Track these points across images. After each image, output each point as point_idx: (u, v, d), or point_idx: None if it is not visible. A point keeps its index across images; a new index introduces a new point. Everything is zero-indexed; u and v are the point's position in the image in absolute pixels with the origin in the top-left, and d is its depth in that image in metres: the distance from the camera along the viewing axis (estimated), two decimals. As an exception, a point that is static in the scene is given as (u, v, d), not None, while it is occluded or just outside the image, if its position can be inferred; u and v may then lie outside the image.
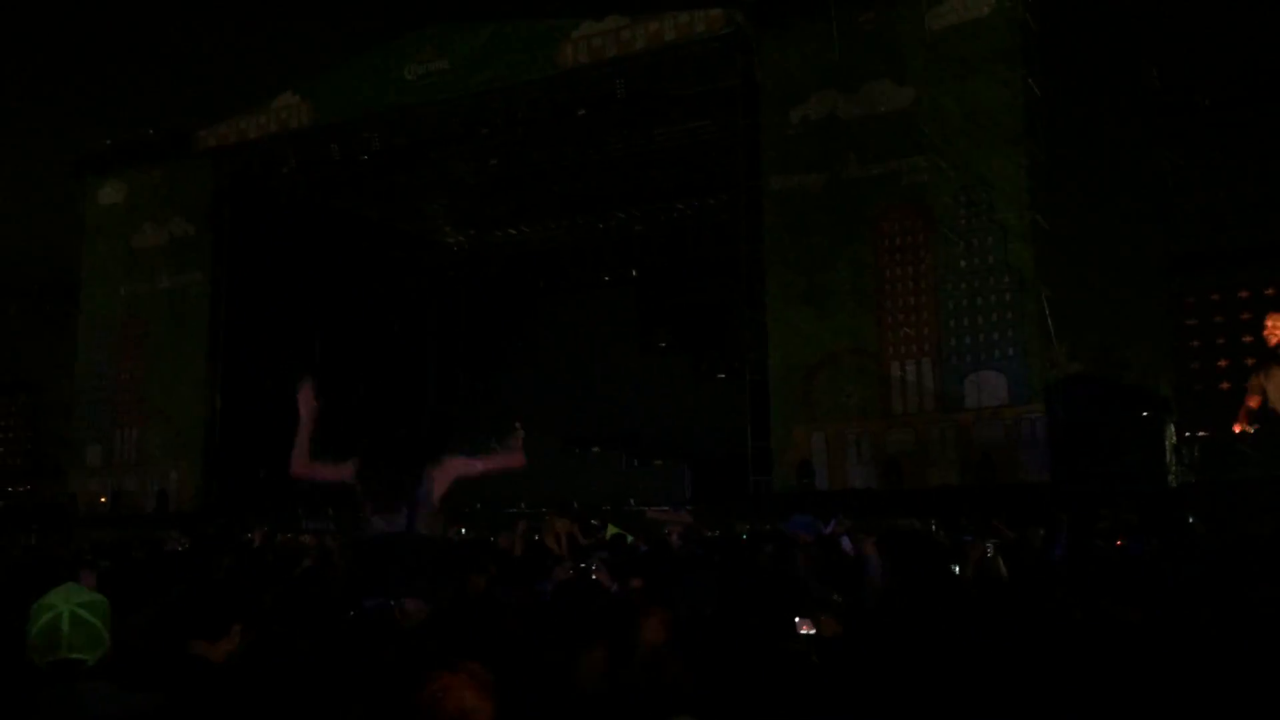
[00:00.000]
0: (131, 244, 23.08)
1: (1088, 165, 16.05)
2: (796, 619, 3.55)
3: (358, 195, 23.37)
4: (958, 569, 5.59)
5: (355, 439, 4.85)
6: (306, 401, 4.83)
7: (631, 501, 16.78)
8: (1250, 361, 15.54)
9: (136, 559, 7.44)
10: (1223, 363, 15.73)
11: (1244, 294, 16.02)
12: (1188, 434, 16.04)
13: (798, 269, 16.76)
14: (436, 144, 20.73)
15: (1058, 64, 15.77)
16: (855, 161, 16.52)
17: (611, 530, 10.67)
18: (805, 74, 16.92)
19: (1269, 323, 11.18)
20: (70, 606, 2.72)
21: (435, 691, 2.05)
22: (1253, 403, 11.37)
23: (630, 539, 8.46)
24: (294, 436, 4.82)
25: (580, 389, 22.93)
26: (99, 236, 23.69)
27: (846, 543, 5.05)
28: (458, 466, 4.70)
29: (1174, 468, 16.38)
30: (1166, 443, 16.70)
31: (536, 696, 2.72)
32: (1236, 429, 11.29)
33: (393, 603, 3.91)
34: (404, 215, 24.96)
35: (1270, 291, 15.67)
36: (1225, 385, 15.60)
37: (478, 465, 4.74)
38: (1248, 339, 15.70)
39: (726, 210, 20.28)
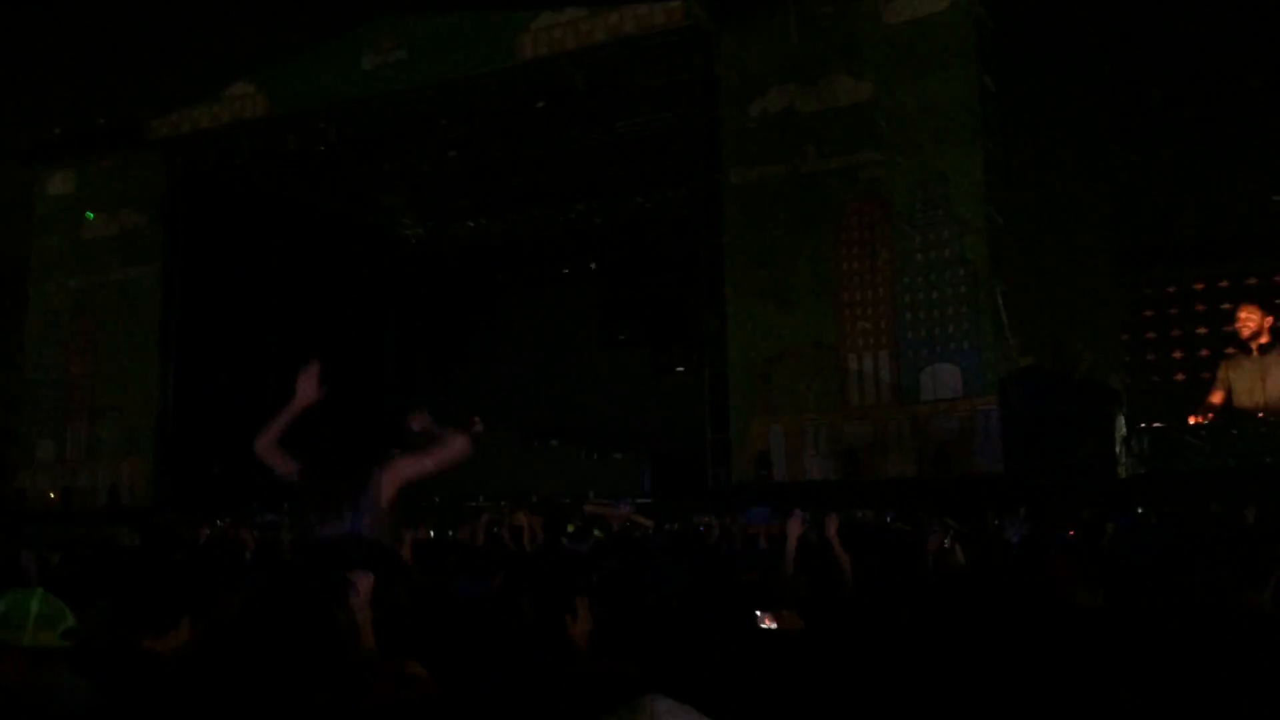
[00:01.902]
0: (82, 235, 22.67)
1: (1042, 160, 16.20)
2: (758, 613, 3.54)
3: (314, 187, 23.11)
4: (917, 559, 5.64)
5: (311, 435, 4.77)
6: (306, 385, 4.72)
7: (591, 494, 16.78)
8: (1205, 353, 15.88)
9: (85, 555, 7.31)
10: (1177, 354, 15.98)
11: (1198, 286, 16.29)
12: (1140, 425, 16.30)
13: (757, 262, 16.82)
14: (394, 135, 20.55)
15: (1013, 60, 15.91)
16: (814, 155, 16.60)
17: (571, 526, 10.66)
18: (764, 67, 16.97)
19: (1241, 314, 11.35)
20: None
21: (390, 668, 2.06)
22: (1216, 398, 11.53)
23: (597, 532, 8.46)
24: (266, 418, 4.72)
25: (540, 382, 22.90)
26: (48, 228, 23.24)
27: (798, 518, 5.05)
28: (407, 467, 4.63)
29: (1124, 459, 16.65)
30: (1117, 435, 16.96)
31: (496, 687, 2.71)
32: (1192, 420, 11.50)
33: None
34: (361, 207, 24.71)
35: (1224, 284, 15.94)
36: (1180, 377, 15.87)
37: (428, 463, 4.68)
38: (1202, 330, 16.02)
39: (686, 203, 20.30)
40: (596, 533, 8.58)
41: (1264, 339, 11.90)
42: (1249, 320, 11.04)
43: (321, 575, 3.04)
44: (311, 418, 4.78)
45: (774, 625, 3.49)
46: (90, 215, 21.98)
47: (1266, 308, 14.92)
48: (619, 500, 12.22)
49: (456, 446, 4.68)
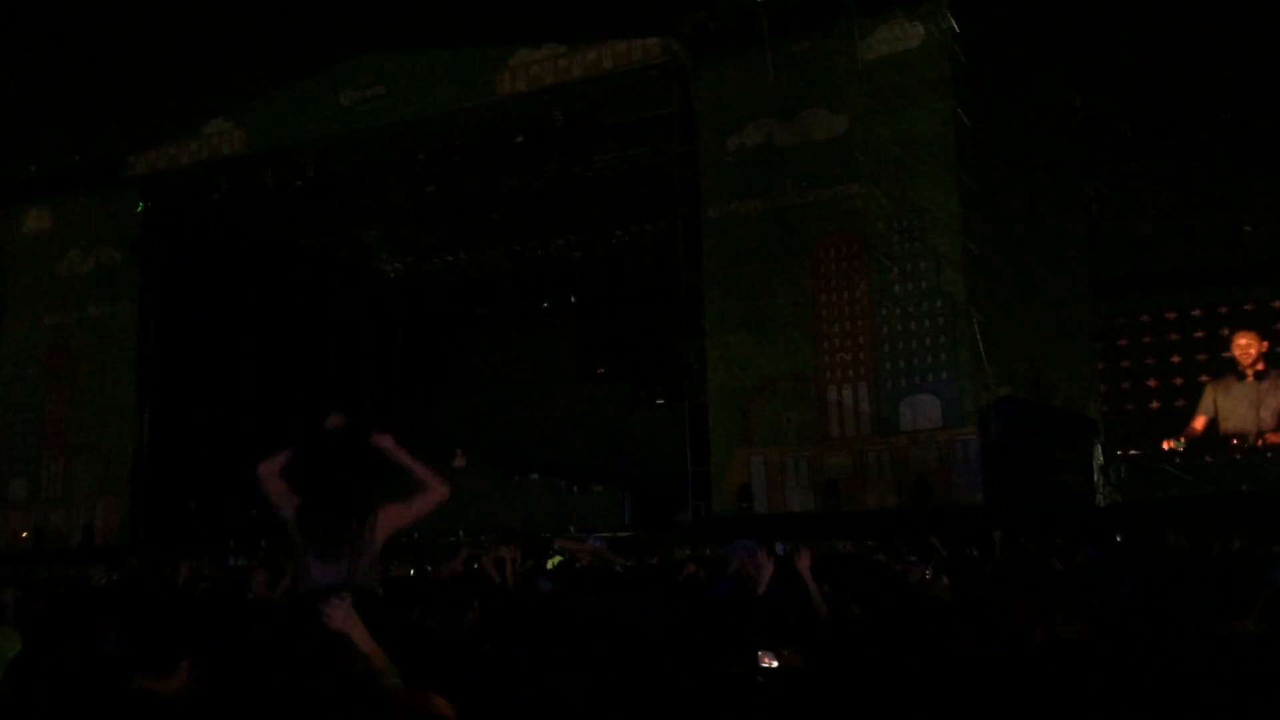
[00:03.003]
0: (57, 272, 22.53)
1: (1017, 193, 16.44)
2: (759, 652, 3.50)
3: (292, 222, 23.08)
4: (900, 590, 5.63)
5: (292, 472, 4.74)
6: (333, 428, 4.69)
7: (571, 528, 16.68)
8: (1179, 381, 16.02)
9: (58, 593, 7.20)
10: (1152, 382, 16.12)
11: (1170, 315, 16.46)
12: (1119, 453, 16.40)
13: (736, 295, 16.89)
14: (373, 171, 20.56)
15: (987, 95, 16.20)
16: (791, 189, 16.73)
17: (555, 560, 10.59)
18: (741, 102, 17.12)
19: (1241, 341, 11.36)
20: None
21: (412, 702, 2.06)
22: (1199, 423, 11.53)
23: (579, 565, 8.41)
24: (244, 455, 4.69)
25: (519, 416, 22.83)
26: (23, 264, 23.08)
27: (781, 549, 5.05)
28: (398, 514, 4.61)
29: (1101, 488, 16.73)
30: (1094, 463, 17.05)
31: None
32: (1166, 445, 11.50)
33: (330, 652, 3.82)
34: (340, 243, 24.69)
35: (1198, 313, 16.12)
36: (1155, 405, 16.00)
37: (416, 508, 4.66)
38: (1175, 359, 16.17)
39: (665, 237, 20.38)
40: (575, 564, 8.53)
41: (1260, 366, 11.99)
42: (1249, 346, 11.09)
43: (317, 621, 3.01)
44: (297, 458, 4.74)
45: (775, 664, 3.47)
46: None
47: (1262, 334, 15.07)
48: (589, 535, 12.17)
49: (439, 491, 4.67)
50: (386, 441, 4.69)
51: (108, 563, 14.14)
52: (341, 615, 2.95)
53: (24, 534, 21.67)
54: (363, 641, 2.91)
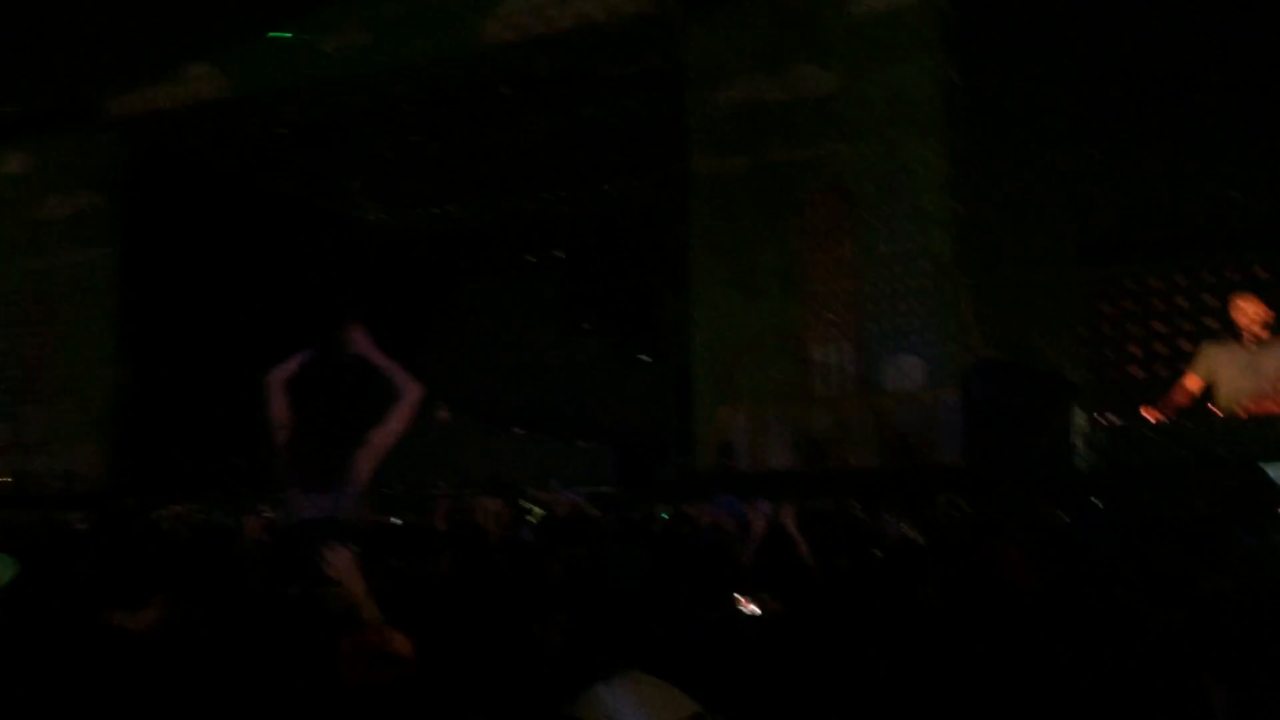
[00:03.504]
0: (35, 216, 22.24)
1: (1006, 154, 16.32)
2: (739, 597, 3.52)
3: (274, 169, 22.84)
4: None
5: (296, 387, 4.70)
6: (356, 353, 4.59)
7: (553, 483, 16.71)
8: (1162, 349, 16.10)
9: (38, 537, 7.17)
10: (1134, 349, 16.20)
11: (1155, 283, 16.52)
12: (1099, 418, 16.48)
13: (723, 252, 16.82)
14: (356, 119, 20.34)
15: (978, 53, 16.00)
16: (780, 145, 16.61)
17: (539, 513, 10.60)
18: (731, 56, 16.95)
19: (1242, 304, 11.27)
20: None
21: (368, 637, 2.05)
22: (1192, 384, 11.45)
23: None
24: (224, 403, 4.66)
25: (503, 370, 22.81)
26: (1, 208, 22.77)
27: (762, 507, 5.08)
28: (380, 439, 4.59)
29: (1082, 451, 16.83)
30: (1075, 427, 17.14)
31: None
32: (1146, 413, 11.51)
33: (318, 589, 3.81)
34: (322, 191, 24.46)
35: (1182, 281, 16.17)
36: (1136, 371, 16.09)
37: (395, 426, 4.63)
38: (1158, 326, 16.26)
39: (653, 192, 20.26)
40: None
41: (1262, 333, 11.99)
42: (1256, 313, 10.99)
43: (304, 556, 3.00)
44: (308, 366, 4.70)
45: (755, 609, 3.48)
46: None
47: (1261, 302, 15.11)
48: (565, 488, 12.21)
49: (413, 392, 4.63)
50: (361, 340, 4.63)
51: (88, 508, 14.09)
52: (343, 565, 2.94)
53: (6, 478, 21.58)
54: (354, 583, 2.91)
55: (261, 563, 4.97)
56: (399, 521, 9.75)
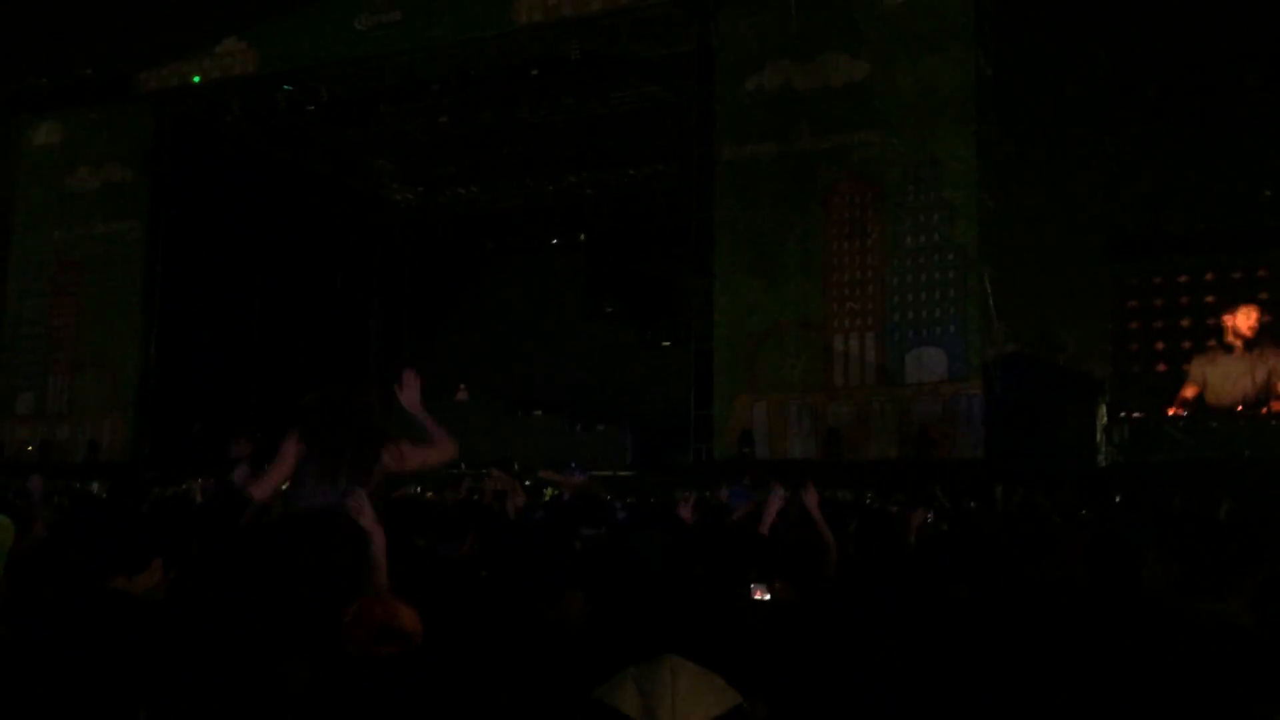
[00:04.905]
0: (67, 188, 22.42)
1: (1035, 147, 16.22)
2: (752, 585, 3.51)
3: (303, 147, 22.91)
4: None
5: (297, 396, 4.69)
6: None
7: (572, 465, 16.77)
8: (1188, 345, 15.95)
9: (60, 504, 7.27)
10: (1159, 345, 16.05)
11: (1183, 279, 16.33)
12: (1121, 415, 16.38)
13: (747, 239, 16.77)
14: (386, 98, 20.35)
15: (1010, 45, 15.87)
16: (808, 133, 16.52)
17: (550, 492, 10.63)
18: (761, 43, 16.85)
19: (1240, 313, 11.25)
20: None
21: (364, 606, 2.05)
22: (1189, 392, 11.57)
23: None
24: (248, 379, 4.67)
25: (525, 352, 22.83)
26: (33, 179, 22.97)
27: (778, 494, 5.04)
28: (404, 455, 4.50)
29: (1104, 448, 16.74)
30: (1097, 423, 17.04)
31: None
32: (1170, 411, 11.52)
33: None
34: (350, 170, 24.53)
35: (1210, 277, 16.00)
36: (1161, 368, 15.94)
37: (420, 456, 4.57)
38: (1185, 323, 16.09)
39: (678, 177, 20.19)
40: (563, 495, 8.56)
41: (1250, 336, 11.94)
42: (1246, 318, 10.96)
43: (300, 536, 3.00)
44: (297, 380, 4.72)
45: (767, 596, 3.48)
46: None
47: (1261, 305, 15.00)
48: (574, 469, 12.22)
49: (449, 450, 4.59)
50: (411, 395, 4.58)
51: (109, 478, 14.25)
52: (369, 517, 2.98)
53: (29, 447, 21.83)
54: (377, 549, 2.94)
55: (264, 536, 4.99)
56: (421, 495, 9.82)
